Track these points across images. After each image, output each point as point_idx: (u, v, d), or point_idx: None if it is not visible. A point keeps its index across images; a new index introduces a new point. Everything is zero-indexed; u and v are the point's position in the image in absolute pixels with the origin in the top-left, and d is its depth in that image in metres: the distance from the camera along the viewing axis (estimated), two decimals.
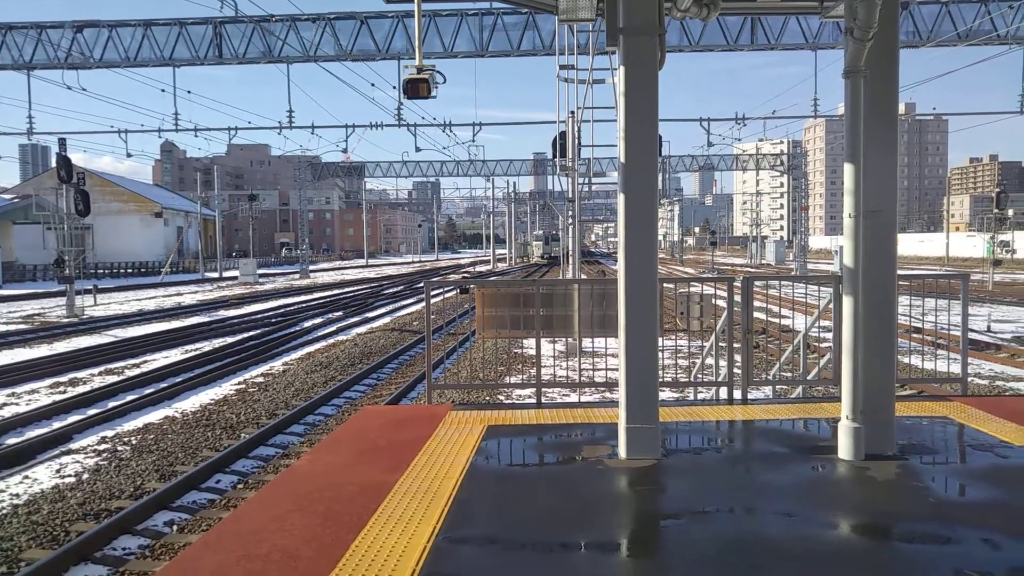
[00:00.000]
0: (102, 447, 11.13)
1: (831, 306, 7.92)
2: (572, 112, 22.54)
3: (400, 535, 4.41)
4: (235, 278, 61.98)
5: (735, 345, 8.84)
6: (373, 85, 35.88)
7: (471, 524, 4.61)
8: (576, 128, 21.29)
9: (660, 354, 6.34)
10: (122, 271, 68.29)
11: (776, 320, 21.25)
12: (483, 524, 4.62)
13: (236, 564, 4.08)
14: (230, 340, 23.19)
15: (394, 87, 32.24)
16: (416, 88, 14.17)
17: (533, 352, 9.87)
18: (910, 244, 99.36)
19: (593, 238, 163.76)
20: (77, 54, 31.61)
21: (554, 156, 23.21)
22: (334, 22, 30.93)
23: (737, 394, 7.88)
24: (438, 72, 14.73)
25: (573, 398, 10.78)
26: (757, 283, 9.01)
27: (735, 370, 8.27)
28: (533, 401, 8.14)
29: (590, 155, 23.70)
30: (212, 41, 31.63)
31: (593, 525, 4.59)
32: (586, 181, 25.84)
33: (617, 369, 6.29)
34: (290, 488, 5.30)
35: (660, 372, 6.45)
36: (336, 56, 30.95)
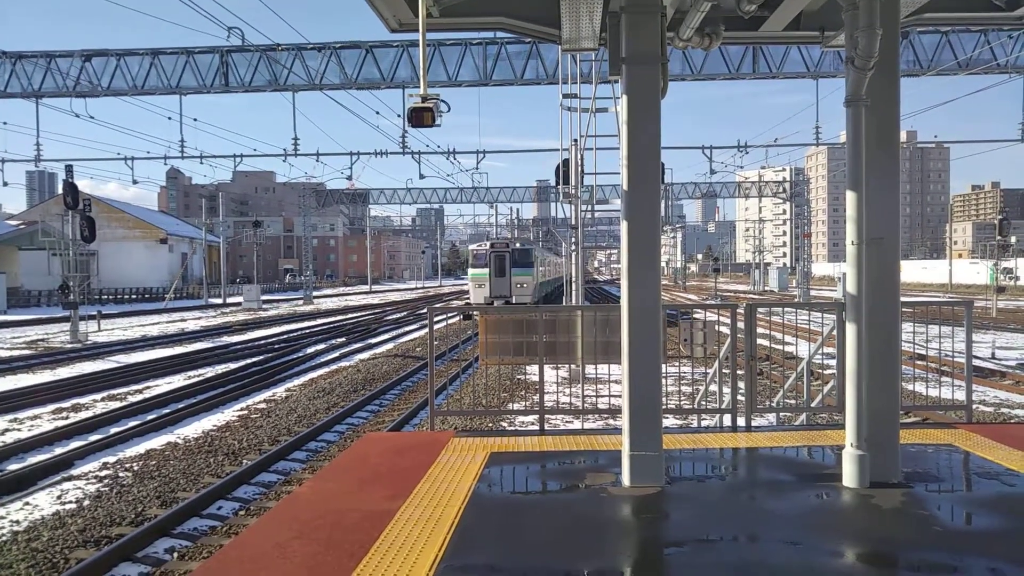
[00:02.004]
0: (103, 473, 11.10)
1: (835, 333, 7.90)
2: (575, 140, 22.68)
3: (402, 563, 4.39)
4: (239, 304, 62.03)
5: (738, 372, 8.81)
6: (378, 113, 36.11)
7: (474, 552, 4.58)
8: (579, 155, 21.40)
9: (664, 381, 6.33)
10: (126, 297, 68.41)
11: (780, 347, 21.21)
12: (486, 552, 4.59)
13: None
14: (233, 366, 23.17)
15: (399, 115, 32.51)
16: (420, 117, 14.27)
17: (536, 378, 9.86)
18: (913, 271, 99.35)
19: (596, 264, 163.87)
20: (85, 82, 31.91)
21: (557, 183, 23.32)
22: (340, 51, 31.24)
23: (741, 421, 7.84)
24: (442, 101, 14.85)
25: (576, 425, 10.74)
26: (760, 310, 9.01)
27: (739, 397, 8.24)
28: (536, 428, 8.11)
29: (593, 182, 23.82)
30: (219, 70, 31.92)
31: (597, 553, 4.56)
32: (589, 208, 25.92)
33: (620, 396, 6.28)
34: (292, 515, 5.28)
35: (664, 399, 6.43)
36: (341, 84, 31.21)
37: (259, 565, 4.40)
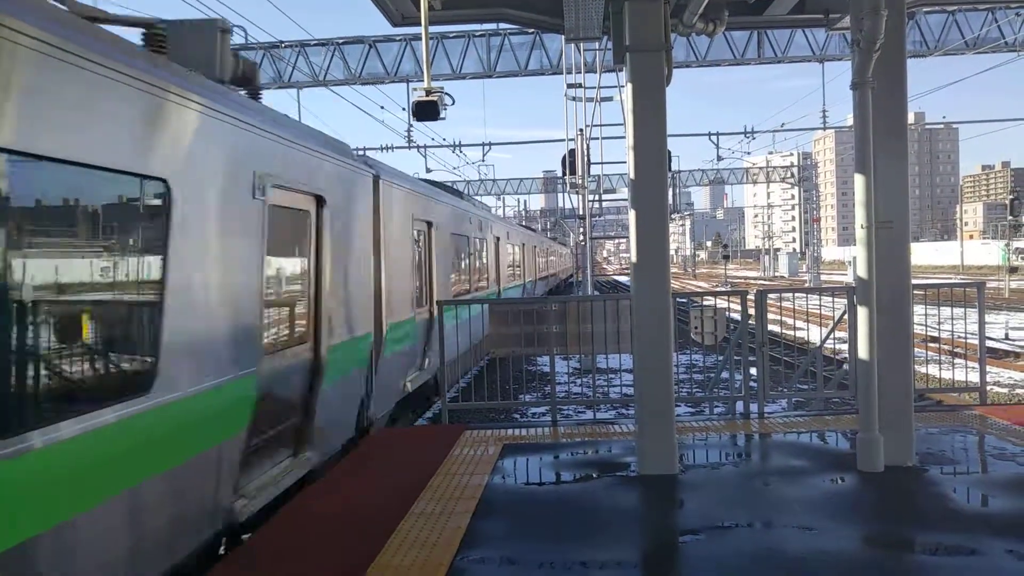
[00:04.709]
0: None
1: (846, 318, 7.88)
2: (581, 130, 22.63)
3: (417, 555, 4.40)
4: None
5: (750, 359, 8.79)
6: (383, 108, 36.14)
7: (490, 543, 4.60)
8: (585, 145, 21.37)
9: (675, 369, 6.33)
10: None
11: (791, 332, 21.14)
12: (502, 543, 4.61)
13: None
14: None
15: (403, 109, 32.50)
16: (425, 110, 14.29)
17: (547, 369, 9.87)
18: (924, 253, 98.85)
19: (605, 254, 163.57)
20: None
21: (564, 174, 23.29)
22: (343, 47, 31.22)
23: (753, 408, 7.83)
24: (447, 94, 14.81)
25: (588, 415, 10.75)
26: (770, 296, 8.99)
27: (751, 384, 8.23)
28: (548, 419, 8.12)
29: (600, 172, 23.78)
30: None
31: (613, 542, 4.57)
32: (596, 198, 25.88)
33: (632, 385, 6.28)
34: (309, 510, 5.31)
35: (675, 387, 6.43)
36: (345, 80, 31.17)
37: (279, 559, 4.42)
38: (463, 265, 14.45)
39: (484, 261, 17.41)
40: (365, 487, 5.83)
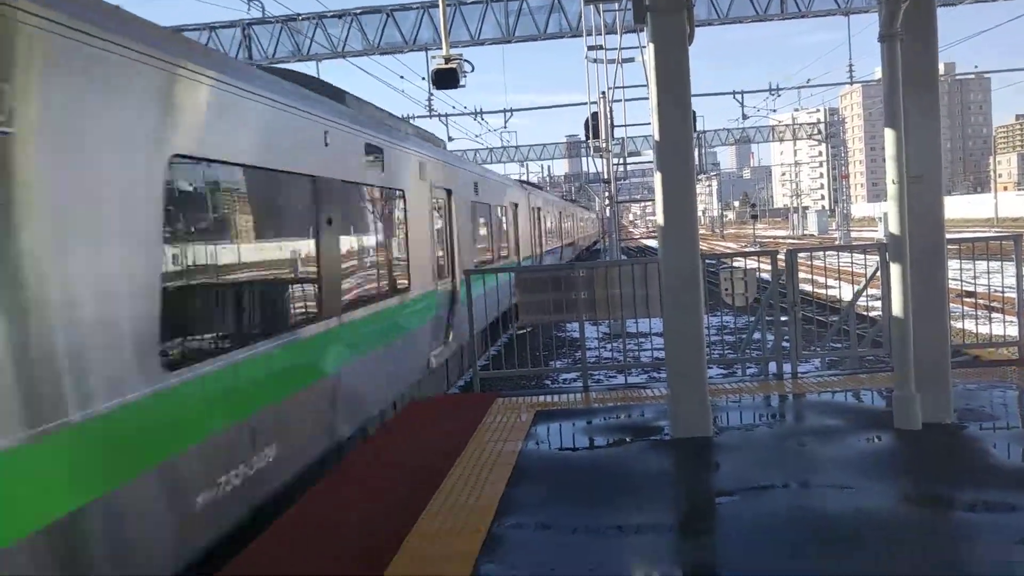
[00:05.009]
0: None
1: (879, 274, 7.77)
2: (603, 92, 22.39)
3: (455, 520, 4.45)
4: None
5: (782, 318, 8.72)
6: (402, 77, 36.16)
7: (526, 509, 4.63)
8: (608, 108, 21.15)
9: (705, 331, 6.29)
10: None
11: (823, 291, 20.93)
12: (538, 509, 4.64)
13: (300, 550, 4.15)
14: None
15: (423, 78, 32.31)
16: (445, 78, 14.24)
17: (576, 335, 9.86)
18: (957, 206, 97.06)
19: (631, 217, 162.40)
20: None
21: (587, 138, 23.10)
22: (360, 17, 31.02)
23: (786, 368, 7.79)
24: (466, 61, 14.73)
25: (619, 380, 10.75)
26: (801, 254, 8.89)
27: (783, 344, 8.17)
28: (579, 385, 8.14)
29: (624, 135, 23.54)
30: (241, 43, 31.87)
31: (648, 505, 4.59)
32: (621, 161, 25.64)
33: (663, 349, 6.26)
34: (346, 480, 5.38)
35: (706, 349, 6.40)
36: (364, 51, 31.01)
37: (318, 529, 4.49)
38: (502, 233, 16.76)
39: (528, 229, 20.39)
40: (401, 456, 5.89)
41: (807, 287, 21.43)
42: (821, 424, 6.07)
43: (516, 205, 18.48)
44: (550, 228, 27.32)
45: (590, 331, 9.74)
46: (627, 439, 6.02)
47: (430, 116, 38.06)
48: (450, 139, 49.11)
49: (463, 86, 14.43)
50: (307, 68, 33.09)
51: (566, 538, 4.21)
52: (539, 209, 23.23)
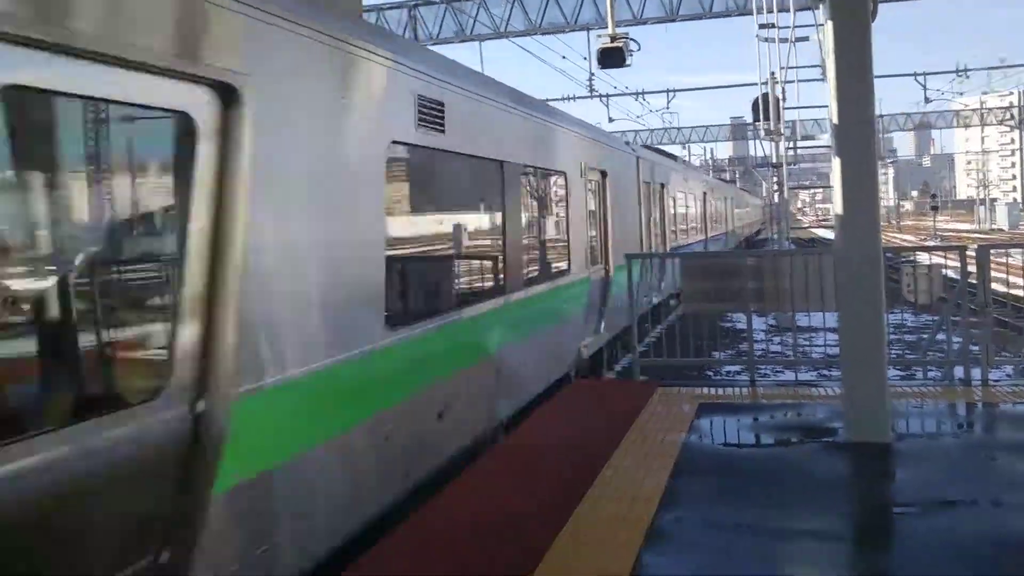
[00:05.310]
0: None
1: None
2: (773, 73, 21.49)
3: (618, 508, 4.42)
4: None
5: (972, 320, 8.07)
6: (564, 58, 35.78)
7: (689, 504, 4.53)
8: (780, 89, 20.27)
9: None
10: None
11: (1020, 292, 19.24)
12: (701, 504, 4.54)
13: (466, 525, 4.26)
14: None
15: (584, 58, 32.12)
16: (611, 57, 14.04)
17: (742, 327, 9.56)
18: None
19: (799, 204, 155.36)
20: None
21: (755, 120, 22.26)
22: None
23: (975, 374, 7.20)
24: (632, 39, 14.46)
25: (787, 376, 10.33)
26: (993, 251, 8.19)
27: (971, 348, 7.57)
28: (745, 379, 7.88)
29: (796, 117, 22.51)
30: (407, 24, 32.85)
31: (819, 511, 4.37)
32: (791, 145, 24.54)
33: (836, 345, 5.94)
34: (510, 457, 5.47)
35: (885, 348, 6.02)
36: (526, 31, 31.21)
37: (483, 503, 4.58)
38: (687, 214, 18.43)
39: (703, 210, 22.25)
40: (564, 438, 5.91)
41: (998, 287, 19.81)
42: (1016, 438, 5.58)
43: (663, 186, 16.56)
44: (709, 212, 24.99)
45: (756, 323, 9.39)
46: (796, 439, 5.77)
47: (591, 96, 37.82)
48: (611, 120, 48.60)
49: (629, 65, 14.20)
50: (470, 48, 33.69)
51: (731, 537, 4.08)
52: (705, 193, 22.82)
